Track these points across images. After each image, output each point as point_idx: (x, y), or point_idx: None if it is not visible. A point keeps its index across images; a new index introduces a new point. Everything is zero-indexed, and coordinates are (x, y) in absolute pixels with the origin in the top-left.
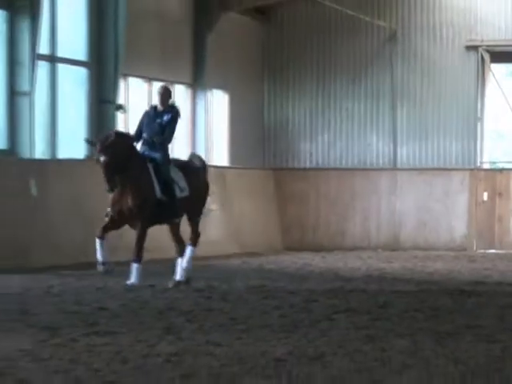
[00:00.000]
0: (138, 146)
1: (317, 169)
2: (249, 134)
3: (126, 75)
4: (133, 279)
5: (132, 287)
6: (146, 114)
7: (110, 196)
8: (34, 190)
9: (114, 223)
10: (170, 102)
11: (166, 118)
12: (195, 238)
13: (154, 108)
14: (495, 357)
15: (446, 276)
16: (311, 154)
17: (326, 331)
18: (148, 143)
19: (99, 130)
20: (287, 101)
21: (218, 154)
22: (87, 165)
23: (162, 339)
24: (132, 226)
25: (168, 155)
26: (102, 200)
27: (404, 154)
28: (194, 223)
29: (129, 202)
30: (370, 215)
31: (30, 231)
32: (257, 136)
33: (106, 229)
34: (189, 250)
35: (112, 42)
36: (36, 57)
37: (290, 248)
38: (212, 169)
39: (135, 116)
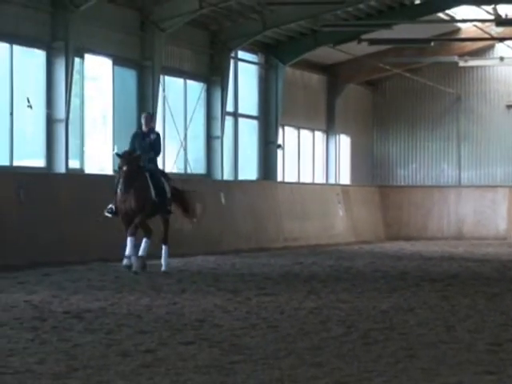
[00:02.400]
0: None
1: (408, 186)
2: (363, 163)
3: (282, 125)
4: (128, 251)
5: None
6: (136, 135)
7: (118, 195)
8: (223, 200)
9: (127, 221)
10: (151, 125)
11: (152, 137)
12: (167, 237)
13: (141, 130)
14: None
15: (494, 256)
16: (404, 176)
17: (415, 293)
18: (143, 158)
19: (266, 161)
20: (388, 141)
21: (343, 176)
22: (258, 183)
23: (307, 298)
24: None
25: (157, 166)
26: (268, 204)
27: (466, 176)
28: (166, 221)
29: (132, 203)
30: (443, 216)
31: (221, 226)
32: (368, 164)
33: (129, 226)
34: (164, 249)
35: (274, 103)
36: (224, 113)
37: (390, 238)
38: (340, 186)
39: (289, 151)
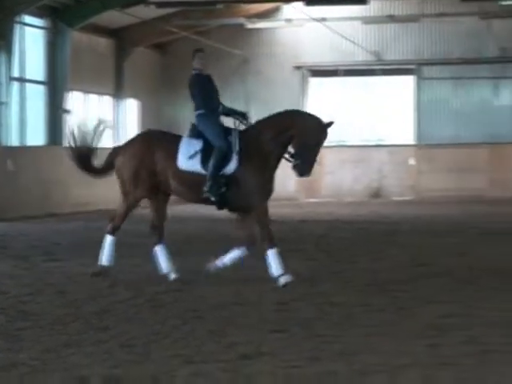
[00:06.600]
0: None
1: None
2: (153, 126)
3: (70, 90)
4: None
5: None
6: (205, 80)
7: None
8: (10, 166)
9: None
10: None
11: (216, 86)
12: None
13: (200, 72)
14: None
15: (288, 217)
16: None
17: (201, 255)
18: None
19: (53, 126)
20: (177, 104)
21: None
22: (45, 148)
23: (95, 262)
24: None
25: None
26: (56, 169)
27: None
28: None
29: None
30: None
31: (8, 193)
32: (158, 128)
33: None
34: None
35: (61, 68)
36: (10, 79)
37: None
38: None
39: (78, 116)
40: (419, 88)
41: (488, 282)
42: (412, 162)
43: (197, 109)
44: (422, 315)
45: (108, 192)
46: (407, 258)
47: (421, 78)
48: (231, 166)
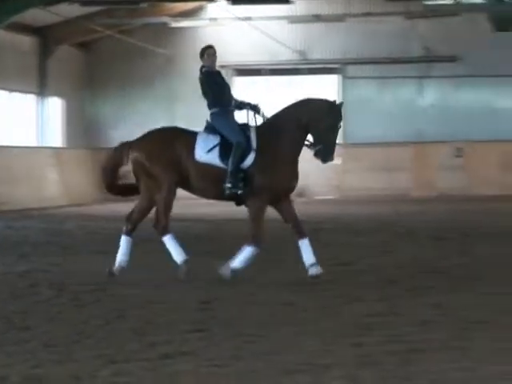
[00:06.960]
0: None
1: None
2: (76, 125)
3: None
4: None
5: None
6: (214, 75)
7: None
8: None
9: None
10: None
11: (226, 81)
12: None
13: (211, 69)
14: None
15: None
16: (116, 138)
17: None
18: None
19: None
20: (100, 103)
21: (56, 139)
22: None
23: (17, 262)
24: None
25: None
26: None
27: None
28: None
29: (295, 180)
30: None
31: None
32: (81, 126)
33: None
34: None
35: None
36: None
37: (103, 200)
38: (52, 149)
39: (0, 114)
40: (344, 87)
41: (413, 281)
42: (337, 161)
43: (210, 107)
44: (346, 314)
45: (29, 192)
46: (331, 257)
47: (346, 77)
48: (248, 161)
